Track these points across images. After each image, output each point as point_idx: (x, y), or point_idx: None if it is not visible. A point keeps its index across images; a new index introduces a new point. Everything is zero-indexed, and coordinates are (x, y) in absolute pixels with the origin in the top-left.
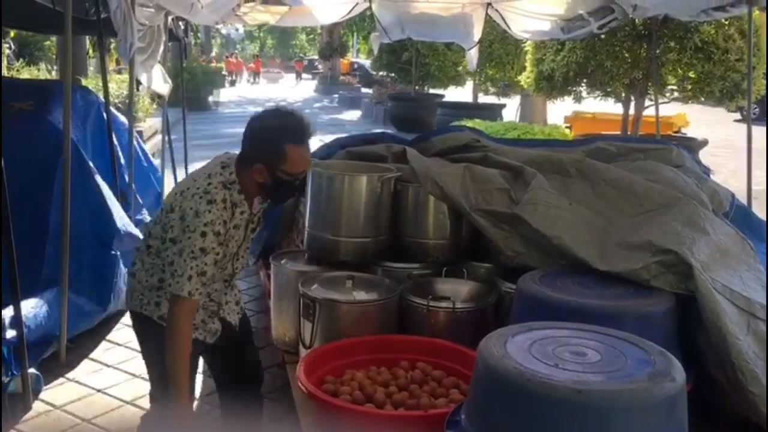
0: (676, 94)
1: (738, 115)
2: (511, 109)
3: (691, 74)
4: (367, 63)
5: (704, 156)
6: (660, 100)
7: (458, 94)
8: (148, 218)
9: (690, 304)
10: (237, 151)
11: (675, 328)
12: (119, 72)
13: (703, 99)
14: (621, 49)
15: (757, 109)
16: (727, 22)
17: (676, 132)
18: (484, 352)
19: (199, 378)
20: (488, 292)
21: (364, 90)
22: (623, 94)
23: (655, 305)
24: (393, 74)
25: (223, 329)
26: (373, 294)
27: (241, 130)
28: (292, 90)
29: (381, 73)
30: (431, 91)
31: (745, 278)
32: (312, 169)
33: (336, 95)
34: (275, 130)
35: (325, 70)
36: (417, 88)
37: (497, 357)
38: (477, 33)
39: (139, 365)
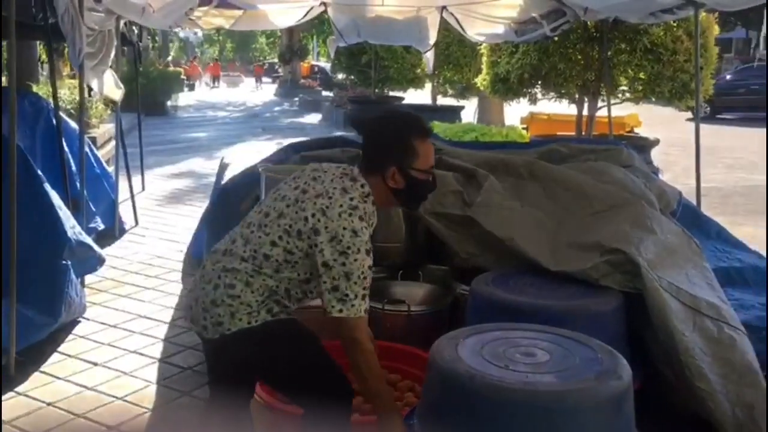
0: (627, 94)
1: (690, 114)
2: (470, 110)
3: (642, 75)
4: (327, 66)
5: (657, 155)
6: (612, 101)
7: (417, 96)
8: (101, 226)
9: (638, 303)
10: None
11: (624, 326)
12: (73, 77)
13: (653, 99)
14: (573, 52)
15: (708, 108)
16: (675, 24)
17: (628, 132)
18: (436, 355)
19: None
20: (444, 295)
21: (324, 93)
22: (577, 96)
23: (603, 304)
24: (353, 77)
25: None
26: None
27: (199, 134)
28: (253, 93)
29: (341, 76)
30: (391, 93)
31: (691, 276)
32: (266, 174)
33: (296, 98)
34: (399, 128)
35: (286, 73)
36: (377, 90)
37: (449, 360)
38: (432, 36)
39: (92, 377)
